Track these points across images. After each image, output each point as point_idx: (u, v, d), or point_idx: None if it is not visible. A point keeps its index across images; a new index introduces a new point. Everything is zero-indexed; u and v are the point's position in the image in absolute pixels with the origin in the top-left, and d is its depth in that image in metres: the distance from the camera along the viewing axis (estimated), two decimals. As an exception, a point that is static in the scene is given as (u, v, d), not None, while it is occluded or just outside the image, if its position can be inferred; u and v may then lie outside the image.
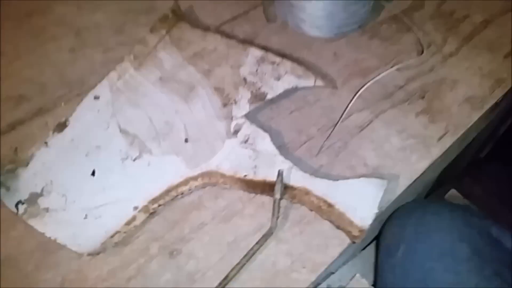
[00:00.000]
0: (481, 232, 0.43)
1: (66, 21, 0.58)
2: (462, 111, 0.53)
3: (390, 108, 0.53)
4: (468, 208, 0.47)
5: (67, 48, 0.55)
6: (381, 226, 0.49)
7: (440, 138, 0.50)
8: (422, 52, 0.59)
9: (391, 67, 0.56)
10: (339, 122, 0.50)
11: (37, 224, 0.40)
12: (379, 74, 0.55)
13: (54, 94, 0.51)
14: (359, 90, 0.53)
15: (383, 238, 0.46)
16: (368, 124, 0.51)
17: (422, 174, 0.48)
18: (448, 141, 0.50)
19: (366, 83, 0.54)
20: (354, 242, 0.40)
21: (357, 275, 0.45)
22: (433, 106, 0.53)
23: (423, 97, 0.54)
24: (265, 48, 0.55)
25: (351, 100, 0.52)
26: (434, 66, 0.58)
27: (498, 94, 0.55)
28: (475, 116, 0.53)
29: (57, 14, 0.59)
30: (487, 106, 0.54)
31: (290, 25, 0.60)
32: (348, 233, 0.40)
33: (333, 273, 0.48)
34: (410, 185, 0.47)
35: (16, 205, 0.41)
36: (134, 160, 0.45)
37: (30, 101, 0.50)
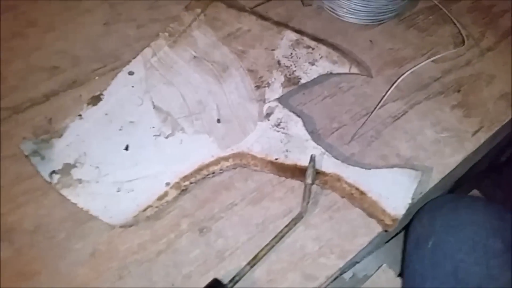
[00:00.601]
0: None
1: (100, -6, 0.58)
2: (498, 107, 0.52)
3: (425, 100, 0.52)
4: (498, 206, 0.46)
5: (101, 21, 0.55)
6: (411, 218, 0.48)
7: (474, 133, 0.49)
8: (461, 44, 0.58)
9: (428, 58, 0.55)
10: (367, 110, 0.50)
11: (69, 194, 0.40)
12: (415, 65, 0.54)
13: (88, 67, 0.51)
14: (396, 81, 0.52)
15: (412, 229, 0.46)
16: (402, 115, 0.50)
17: (454, 168, 0.47)
18: (482, 137, 0.49)
19: (402, 74, 0.53)
20: (386, 231, 0.40)
21: (384, 265, 0.45)
22: (468, 100, 0.52)
23: (458, 91, 0.53)
24: (300, 32, 0.55)
25: (388, 90, 0.51)
26: (470, 60, 0.56)
27: (536, 93, 0.54)
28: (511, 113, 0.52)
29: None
30: (524, 104, 0.53)
31: (326, 10, 0.59)
32: (380, 221, 0.40)
33: (358, 262, 0.48)
34: (443, 178, 0.46)
35: (50, 175, 0.41)
36: (166, 137, 0.45)
37: (64, 73, 0.50)
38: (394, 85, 0.51)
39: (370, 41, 0.57)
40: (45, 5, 0.56)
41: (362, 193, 0.41)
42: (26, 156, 0.41)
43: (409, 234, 0.46)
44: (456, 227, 0.42)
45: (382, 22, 0.59)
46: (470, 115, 0.51)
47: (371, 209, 0.40)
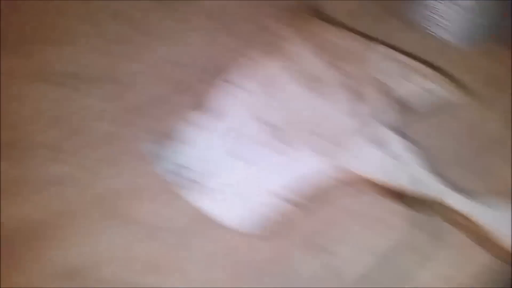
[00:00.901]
0: None
1: (202, 5, 0.60)
2: None
3: None
4: None
5: (202, 31, 0.58)
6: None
7: None
8: None
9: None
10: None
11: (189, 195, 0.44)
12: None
13: (189, 73, 0.53)
14: None
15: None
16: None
17: None
18: None
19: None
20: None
21: None
22: None
23: None
24: (392, 46, 0.56)
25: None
26: None
27: None
28: None
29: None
30: None
31: (419, 25, 0.59)
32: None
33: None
34: None
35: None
36: (278, 153, 0.47)
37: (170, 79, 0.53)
38: None
39: (471, 65, 0.55)
40: (156, 15, 0.59)
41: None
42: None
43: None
44: None
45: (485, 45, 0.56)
46: None
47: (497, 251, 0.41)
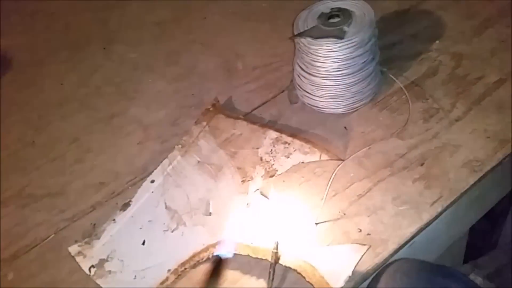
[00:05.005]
0: None
1: (137, 120, 0.77)
2: (460, 175, 0.57)
3: (389, 176, 0.59)
4: (438, 269, 0.50)
5: (136, 142, 0.73)
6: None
7: (432, 204, 0.55)
8: (430, 118, 0.64)
9: (396, 136, 0.63)
10: (336, 191, 0.58)
11: (102, 283, 0.55)
12: (382, 144, 0.62)
13: (124, 180, 0.68)
14: (334, 172, 0.60)
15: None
16: (366, 192, 0.58)
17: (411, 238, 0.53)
18: (439, 206, 0.55)
19: (369, 154, 0.62)
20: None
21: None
22: (431, 172, 0.58)
23: (422, 164, 0.59)
24: (280, 130, 0.67)
25: (329, 180, 0.59)
26: (438, 133, 0.62)
27: (500, 155, 0.58)
28: (472, 180, 0.56)
29: (131, 114, 0.78)
30: (486, 169, 0.57)
31: (308, 106, 0.70)
32: (323, 294, 0.48)
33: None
34: (399, 248, 0.53)
35: (89, 269, 0.57)
36: (172, 231, 0.59)
37: (107, 187, 0.67)
38: (331, 178, 0.59)
39: (345, 127, 0.66)
40: (98, 133, 0.76)
41: (314, 269, 0.50)
42: (72, 256, 0.58)
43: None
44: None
45: (357, 108, 0.68)
46: (431, 186, 0.57)
47: (318, 284, 0.48)
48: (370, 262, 0.51)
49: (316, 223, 0.56)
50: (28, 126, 0.80)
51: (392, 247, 0.52)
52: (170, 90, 0.81)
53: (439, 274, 0.48)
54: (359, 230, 0.54)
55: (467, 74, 0.69)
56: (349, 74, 0.63)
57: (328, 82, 0.64)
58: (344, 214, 0.56)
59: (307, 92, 0.68)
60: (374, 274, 0.51)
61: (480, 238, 1.00)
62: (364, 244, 0.51)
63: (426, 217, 0.54)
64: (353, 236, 0.54)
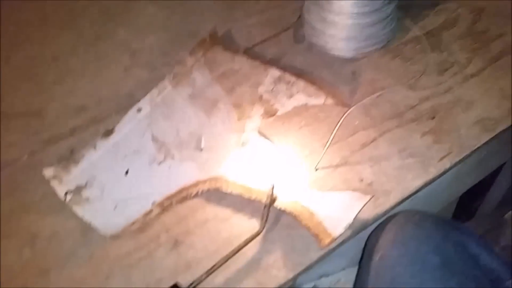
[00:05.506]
0: (457, 245, 0.45)
1: (124, 44, 0.70)
2: (471, 132, 0.54)
3: (397, 127, 0.55)
4: (451, 222, 0.48)
5: (122, 67, 0.67)
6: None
7: (441, 159, 0.52)
8: (445, 71, 0.60)
9: (408, 86, 0.59)
10: (338, 138, 0.54)
11: (78, 210, 0.51)
12: (391, 93, 0.58)
13: (108, 106, 0.62)
14: (344, 115, 0.54)
15: (366, 244, 0.50)
16: (371, 142, 0.54)
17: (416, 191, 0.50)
18: (448, 162, 0.52)
19: (376, 102, 0.57)
20: (323, 248, 0.45)
21: (342, 279, 0.49)
22: (442, 127, 0.55)
23: (433, 118, 0.56)
24: (284, 69, 0.61)
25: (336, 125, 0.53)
26: (451, 87, 0.59)
27: (516, 116, 0.55)
28: (484, 138, 0.53)
29: (119, 38, 0.71)
30: (499, 129, 0.54)
31: (315, 46, 0.65)
32: (320, 240, 0.45)
33: (326, 276, 0.53)
34: (402, 201, 0.50)
35: (65, 194, 0.52)
36: (159, 163, 0.54)
37: (88, 111, 0.62)
38: (338, 124, 0.53)
39: (353, 73, 0.62)
40: (82, 55, 0.69)
41: (311, 214, 0.46)
42: (46, 180, 0.53)
43: (364, 248, 0.50)
44: (400, 241, 0.45)
45: (368, 54, 0.63)
46: (440, 141, 0.53)
47: (315, 229, 0.45)
48: (370, 212, 0.48)
49: (316, 169, 0.52)
50: (4, 41, 0.72)
51: (394, 199, 0.49)
52: (163, 15, 0.74)
53: (453, 229, 0.46)
54: (360, 180, 0.51)
55: (486, 30, 0.65)
56: (366, 13, 0.58)
57: (341, 20, 0.59)
58: (346, 162, 0.53)
59: (316, 31, 0.62)
60: (375, 224, 0.48)
61: (460, 207, 0.99)
62: (368, 194, 0.47)
63: (433, 172, 0.51)
64: (354, 185, 0.51)
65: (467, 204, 1.02)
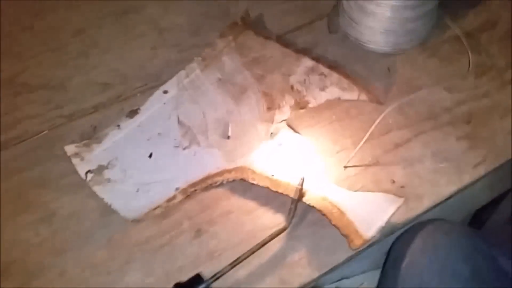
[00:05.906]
0: (486, 258, 0.43)
1: (152, 21, 0.68)
2: (507, 141, 0.52)
3: (432, 129, 0.53)
4: (479, 234, 0.47)
5: (149, 46, 0.65)
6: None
7: (475, 166, 0.50)
8: (483, 75, 0.58)
9: (444, 88, 0.57)
10: (370, 136, 0.52)
11: (99, 190, 0.50)
12: (427, 94, 0.56)
13: (133, 85, 0.60)
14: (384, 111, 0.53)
15: (392, 249, 0.48)
16: (405, 143, 0.53)
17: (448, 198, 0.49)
18: (482, 169, 0.50)
19: (411, 102, 0.55)
20: (353, 249, 0.43)
21: (365, 283, 0.48)
22: (477, 132, 0.53)
23: (469, 122, 0.54)
24: (317, 59, 0.59)
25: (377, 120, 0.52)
26: (489, 92, 0.56)
27: (556, 128, 0.53)
28: (521, 148, 0.51)
29: (147, 13, 0.69)
30: (537, 139, 0.52)
31: (350, 38, 0.63)
32: (351, 241, 0.43)
33: (347, 278, 0.52)
34: (434, 206, 0.48)
35: (86, 173, 0.51)
36: (184, 148, 0.53)
37: (113, 89, 0.60)
38: (376, 123, 0.51)
39: (388, 68, 0.59)
40: (108, 28, 0.67)
41: (341, 212, 0.45)
42: (69, 157, 0.51)
43: (389, 253, 0.49)
44: (430, 249, 0.44)
45: (404, 50, 0.61)
46: (476, 147, 0.52)
47: (345, 229, 0.44)
48: (400, 216, 0.47)
49: (345, 166, 0.51)
50: (28, 9, 0.70)
51: (427, 204, 0.48)
52: (193, -7, 0.72)
53: (482, 241, 0.44)
54: (392, 181, 0.50)
55: (528, 34, 0.62)
56: (408, 7, 0.55)
57: (381, 12, 0.56)
58: (377, 161, 0.51)
59: (354, 21, 0.60)
60: (403, 229, 0.47)
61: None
62: (400, 196, 0.46)
63: (466, 179, 0.49)
64: (385, 186, 0.49)
65: (476, 214, 1.01)
